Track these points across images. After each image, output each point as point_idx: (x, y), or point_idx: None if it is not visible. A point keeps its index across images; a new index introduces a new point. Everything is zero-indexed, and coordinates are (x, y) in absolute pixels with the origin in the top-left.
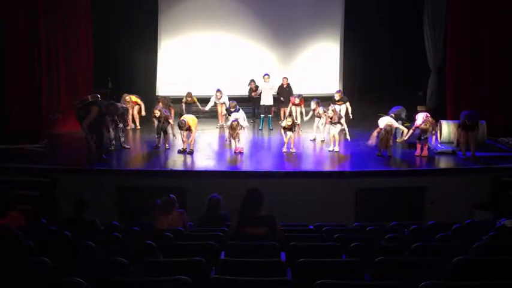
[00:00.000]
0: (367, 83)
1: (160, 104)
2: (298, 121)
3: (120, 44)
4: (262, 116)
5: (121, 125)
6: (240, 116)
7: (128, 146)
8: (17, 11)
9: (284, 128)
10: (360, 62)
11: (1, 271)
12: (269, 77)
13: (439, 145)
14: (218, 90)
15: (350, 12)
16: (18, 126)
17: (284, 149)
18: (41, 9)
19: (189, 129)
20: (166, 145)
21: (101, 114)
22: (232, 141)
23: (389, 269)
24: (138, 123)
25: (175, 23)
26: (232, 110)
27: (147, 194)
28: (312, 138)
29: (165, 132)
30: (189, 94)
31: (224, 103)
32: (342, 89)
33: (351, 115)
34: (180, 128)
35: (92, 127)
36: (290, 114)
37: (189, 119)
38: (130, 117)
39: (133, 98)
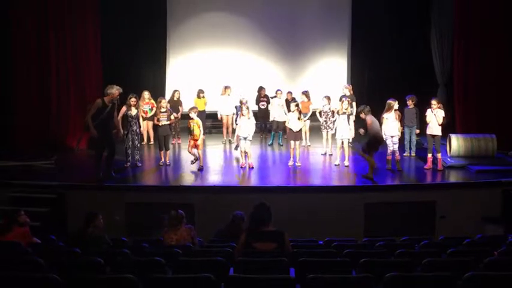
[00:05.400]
0: (375, 97)
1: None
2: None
3: (128, 61)
4: (273, 132)
5: (137, 143)
6: (250, 125)
7: (140, 164)
8: (26, 23)
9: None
10: (367, 76)
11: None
12: (281, 93)
13: (448, 159)
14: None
15: (357, 27)
16: (28, 141)
17: (290, 163)
18: (51, 26)
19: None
20: (168, 160)
21: (104, 105)
22: (242, 156)
23: (400, 285)
24: (152, 139)
25: (184, 40)
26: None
27: (155, 209)
28: (323, 153)
29: (167, 148)
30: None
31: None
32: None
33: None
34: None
35: (105, 142)
36: (297, 105)
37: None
38: (145, 132)
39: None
